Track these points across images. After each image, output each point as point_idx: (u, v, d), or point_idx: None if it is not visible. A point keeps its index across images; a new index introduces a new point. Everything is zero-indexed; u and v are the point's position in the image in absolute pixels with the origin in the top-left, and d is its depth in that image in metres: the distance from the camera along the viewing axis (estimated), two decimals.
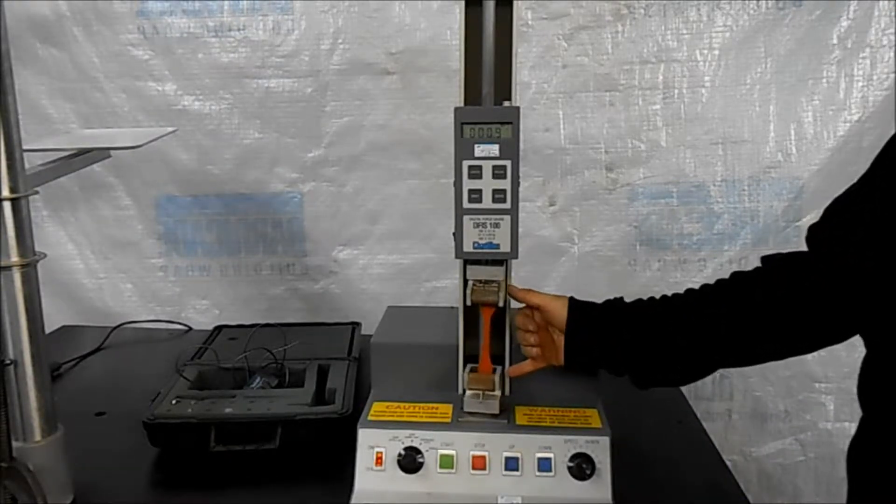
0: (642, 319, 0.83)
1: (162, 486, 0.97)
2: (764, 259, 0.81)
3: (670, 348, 0.81)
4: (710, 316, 0.80)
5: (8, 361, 0.83)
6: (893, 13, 1.45)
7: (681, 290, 0.83)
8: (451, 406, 0.92)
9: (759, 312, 0.77)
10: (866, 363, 0.74)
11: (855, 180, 0.73)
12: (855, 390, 0.76)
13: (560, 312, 0.85)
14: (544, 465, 0.84)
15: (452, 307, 0.96)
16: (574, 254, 1.60)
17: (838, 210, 0.74)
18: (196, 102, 1.60)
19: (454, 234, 0.84)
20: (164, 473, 0.99)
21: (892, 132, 0.70)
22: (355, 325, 1.42)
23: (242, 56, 1.57)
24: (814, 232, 0.76)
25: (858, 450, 0.76)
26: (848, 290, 0.71)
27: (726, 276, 0.82)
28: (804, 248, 0.78)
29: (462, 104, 0.86)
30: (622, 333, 0.83)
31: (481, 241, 0.83)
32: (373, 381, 0.99)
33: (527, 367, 0.90)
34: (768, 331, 0.77)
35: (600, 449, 0.84)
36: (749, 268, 0.80)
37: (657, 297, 0.85)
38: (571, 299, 0.86)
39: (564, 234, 1.60)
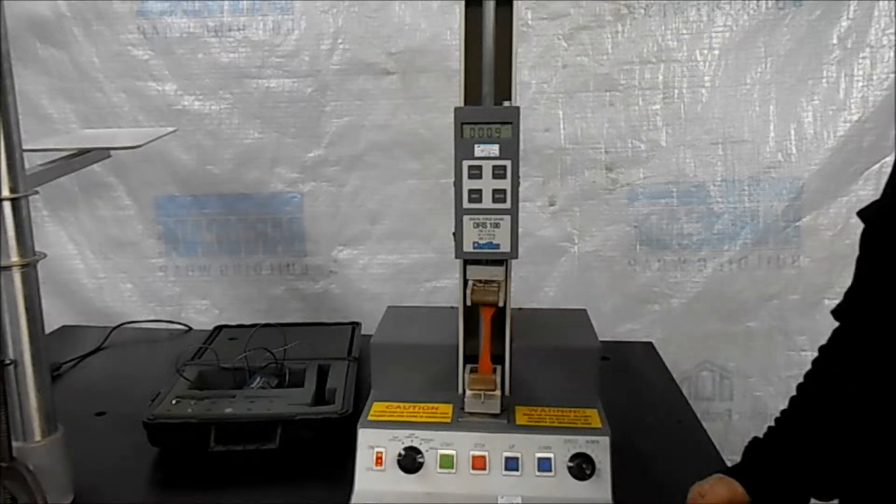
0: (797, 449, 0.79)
1: (162, 486, 0.97)
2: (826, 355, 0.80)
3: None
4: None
5: (8, 361, 0.83)
6: (893, 13, 1.45)
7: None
8: (451, 406, 0.92)
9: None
10: None
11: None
12: None
13: (734, 489, 0.80)
14: (544, 465, 0.84)
15: (452, 307, 0.96)
16: (574, 254, 1.60)
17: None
18: (196, 102, 1.60)
19: (454, 234, 0.84)
20: (164, 473, 0.99)
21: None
22: (355, 325, 1.42)
23: (242, 56, 1.57)
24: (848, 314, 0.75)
25: None
26: None
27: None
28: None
29: (462, 104, 0.86)
30: (796, 466, 0.79)
31: (481, 241, 0.83)
32: (373, 381, 0.98)
33: None
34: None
35: (600, 449, 0.84)
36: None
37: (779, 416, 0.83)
38: (732, 472, 0.82)
39: (564, 234, 1.60)
